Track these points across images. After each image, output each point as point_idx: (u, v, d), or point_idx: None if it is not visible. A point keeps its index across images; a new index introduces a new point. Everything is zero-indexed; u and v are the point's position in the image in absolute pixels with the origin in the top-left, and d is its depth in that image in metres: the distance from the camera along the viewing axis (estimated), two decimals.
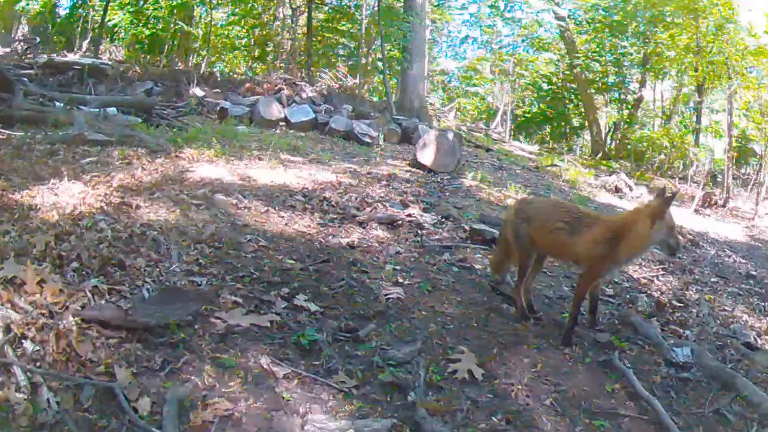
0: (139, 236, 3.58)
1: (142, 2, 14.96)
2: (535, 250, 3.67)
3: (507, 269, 4.06)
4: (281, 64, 15.14)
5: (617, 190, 10.59)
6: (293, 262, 3.86)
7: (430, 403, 2.68)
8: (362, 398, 2.65)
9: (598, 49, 17.52)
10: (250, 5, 15.98)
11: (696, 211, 10.51)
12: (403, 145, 10.64)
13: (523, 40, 19.70)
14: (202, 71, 14.07)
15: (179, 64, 15.54)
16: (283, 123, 10.20)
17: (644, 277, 5.06)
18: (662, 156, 15.50)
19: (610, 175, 11.71)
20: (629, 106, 17.96)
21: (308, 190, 5.66)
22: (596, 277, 3.49)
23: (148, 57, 15.57)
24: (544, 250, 3.69)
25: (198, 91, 11.61)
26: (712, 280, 5.55)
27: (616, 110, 18.59)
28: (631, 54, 17.07)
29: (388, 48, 14.18)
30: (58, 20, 16.53)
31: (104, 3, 14.49)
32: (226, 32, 17.64)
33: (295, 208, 5.04)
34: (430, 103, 16.78)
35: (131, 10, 14.94)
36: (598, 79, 17.83)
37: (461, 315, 3.60)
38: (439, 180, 7.51)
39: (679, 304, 4.43)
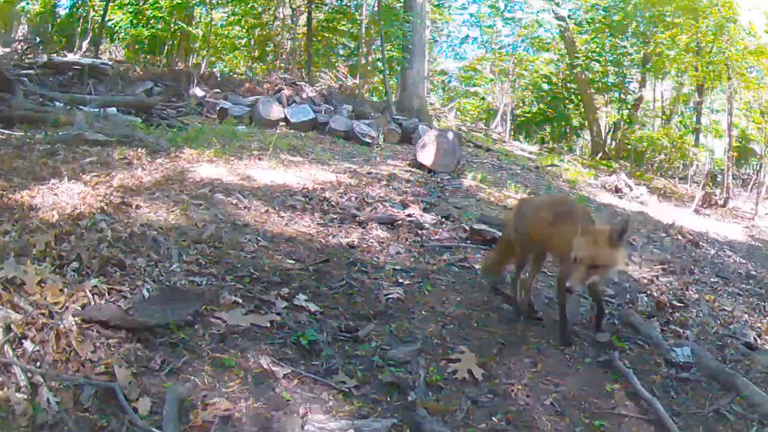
0: (139, 236, 3.57)
1: (142, 2, 14.95)
2: (532, 245, 3.69)
3: (503, 270, 4.08)
4: (281, 64, 15.15)
5: (617, 190, 10.59)
6: (293, 262, 3.86)
7: (430, 403, 2.67)
8: (362, 398, 2.65)
9: (598, 49, 17.52)
10: (250, 5, 15.97)
11: (696, 211, 10.51)
12: (403, 145, 10.63)
13: (523, 40, 19.70)
14: (202, 71, 14.07)
15: (179, 64, 15.54)
16: (283, 123, 10.20)
17: (644, 277, 5.06)
18: (662, 156, 15.52)
19: (610, 175, 11.71)
20: (629, 106, 17.96)
21: (308, 190, 5.66)
22: (566, 273, 3.33)
23: (148, 57, 15.57)
24: (535, 242, 3.68)
25: (198, 91, 11.61)
26: (712, 280, 5.55)
27: (616, 110, 18.59)
28: (631, 54, 17.08)
29: (388, 48, 14.17)
30: (58, 20, 16.52)
31: (104, 3, 14.49)
32: (226, 32, 17.63)
33: (295, 208, 5.04)
34: (430, 103, 16.78)
35: (131, 10, 14.94)
36: (598, 79, 17.83)
37: (461, 315, 3.59)
38: (439, 180, 7.51)
39: (679, 304, 4.43)
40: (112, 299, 2.88)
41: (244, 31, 17.17)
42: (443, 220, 5.50)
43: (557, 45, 19.04)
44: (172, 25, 15.05)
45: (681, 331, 3.91)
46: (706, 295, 4.91)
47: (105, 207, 3.87)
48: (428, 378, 2.86)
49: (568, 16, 17.64)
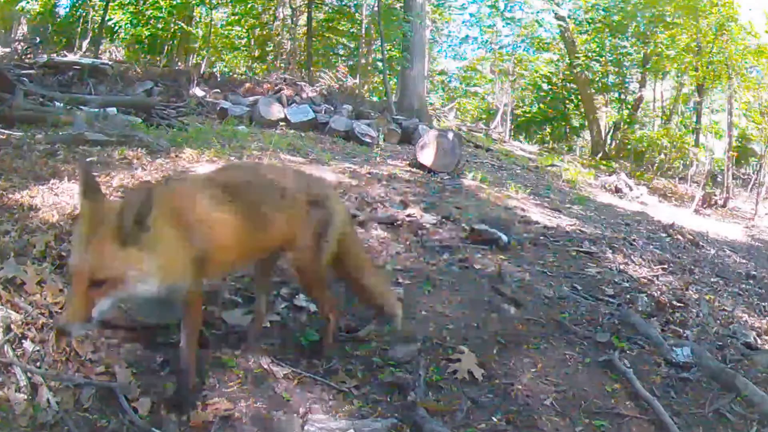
0: None
1: (142, 2, 14.97)
2: None
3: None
4: (281, 64, 15.17)
5: (617, 190, 10.61)
6: None
7: (430, 403, 2.67)
8: (362, 398, 2.65)
9: (598, 49, 17.53)
10: (250, 5, 15.99)
11: (696, 211, 10.53)
12: (403, 145, 10.63)
13: (523, 40, 19.72)
14: (202, 71, 14.07)
15: (179, 64, 15.56)
16: (283, 123, 10.19)
17: (644, 277, 5.05)
18: (662, 156, 15.52)
19: (610, 175, 11.73)
20: (629, 106, 17.98)
21: None
22: None
23: (148, 57, 15.57)
24: None
25: (198, 91, 11.61)
26: (712, 280, 5.54)
27: (616, 110, 18.61)
28: (631, 54, 17.10)
29: (388, 48, 14.19)
30: (58, 20, 16.54)
31: (104, 3, 14.50)
32: (226, 32, 17.64)
33: None
34: (430, 103, 16.78)
35: (131, 10, 14.94)
36: (598, 79, 17.85)
37: (461, 315, 3.59)
38: (439, 180, 7.51)
39: (679, 304, 4.42)
40: None
41: (244, 31, 17.18)
42: (443, 220, 5.49)
43: (557, 45, 19.05)
44: (172, 25, 15.07)
45: (681, 331, 3.90)
46: (706, 295, 4.90)
47: None
48: (428, 378, 2.86)
49: (568, 16, 17.65)
